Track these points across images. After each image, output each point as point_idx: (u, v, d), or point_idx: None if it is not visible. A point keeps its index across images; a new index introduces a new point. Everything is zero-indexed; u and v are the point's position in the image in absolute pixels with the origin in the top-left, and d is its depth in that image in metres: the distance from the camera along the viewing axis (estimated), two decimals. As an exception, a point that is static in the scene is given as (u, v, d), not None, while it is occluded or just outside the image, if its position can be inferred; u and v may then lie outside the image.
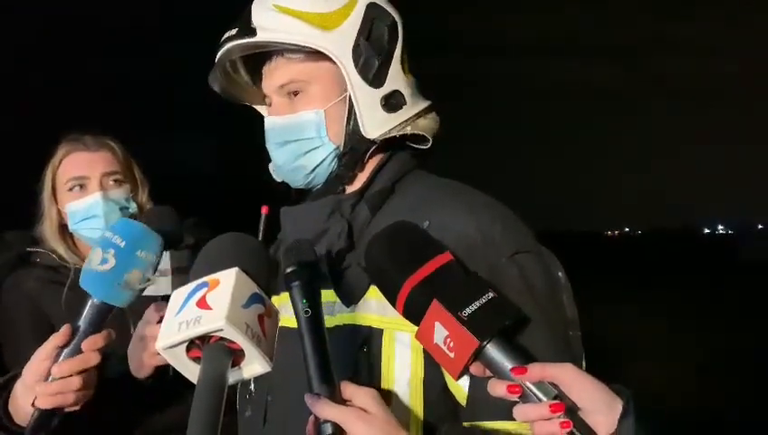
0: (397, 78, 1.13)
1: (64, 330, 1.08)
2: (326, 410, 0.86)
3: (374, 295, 1.03)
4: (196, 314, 0.71)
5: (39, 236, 1.77)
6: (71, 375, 1.07)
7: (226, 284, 0.73)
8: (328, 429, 0.86)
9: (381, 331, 1.02)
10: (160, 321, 1.21)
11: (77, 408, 1.11)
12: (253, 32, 1.08)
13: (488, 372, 0.84)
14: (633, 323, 9.54)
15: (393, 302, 0.89)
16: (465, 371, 0.84)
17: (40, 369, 1.08)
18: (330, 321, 1.05)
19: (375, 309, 1.03)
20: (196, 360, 0.74)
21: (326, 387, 0.88)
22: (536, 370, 0.79)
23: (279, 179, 1.21)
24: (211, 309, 0.71)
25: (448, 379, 1.00)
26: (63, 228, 1.77)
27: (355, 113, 1.10)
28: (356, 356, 1.01)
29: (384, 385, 1.00)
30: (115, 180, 1.76)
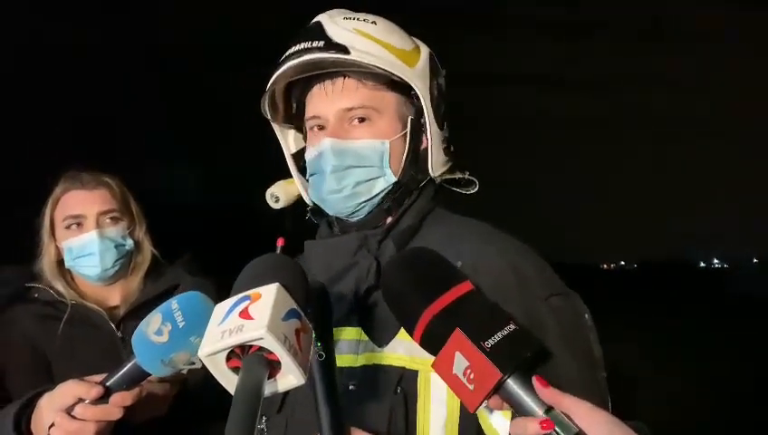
0: (447, 125, 1.17)
1: (96, 390, 1.07)
2: None
3: (406, 336, 0.99)
4: (239, 324, 0.74)
5: (38, 271, 1.79)
6: (90, 420, 1.08)
7: (267, 297, 0.77)
8: None
9: (416, 372, 1.00)
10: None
11: None
12: (343, 49, 1.06)
13: (506, 406, 0.82)
14: (636, 357, 9.51)
15: (410, 329, 0.87)
16: (483, 403, 0.81)
17: (67, 400, 1.08)
18: (354, 360, 1.05)
19: (408, 350, 1.01)
20: (235, 370, 0.76)
21: (335, 433, 0.89)
22: (554, 395, 0.78)
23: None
24: (253, 319, 0.74)
25: (483, 421, 0.99)
26: (62, 264, 1.80)
27: (415, 150, 1.12)
28: (390, 399, 1.00)
29: (420, 429, 0.99)
30: (111, 218, 1.80)
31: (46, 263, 1.80)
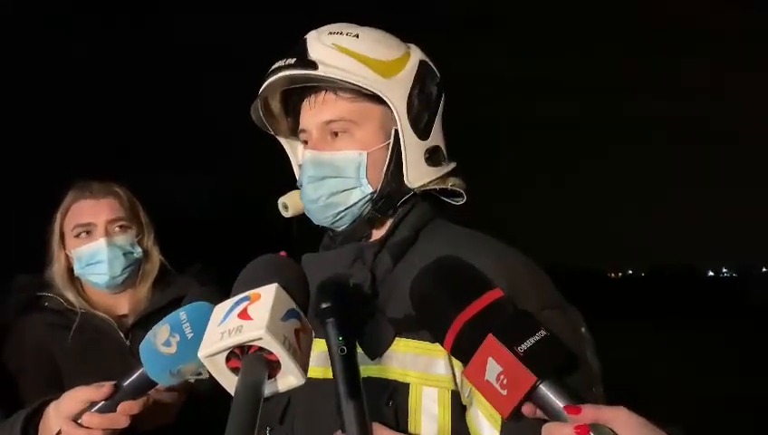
0: (438, 135, 1.17)
1: (107, 388, 1.09)
2: None
3: (399, 348, 1.03)
4: (238, 324, 0.75)
5: (49, 280, 1.82)
6: (97, 428, 1.08)
7: (267, 298, 0.78)
8: None
9: (408, 385, 1.02)
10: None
11: None
12: (313, 65, 1.10)
13: (539, 413, 0.81)
14: (643, 367, 9.42)
15: (441, 336, 0.87)
16: (516, 409, 0.81)
17: (75, 407, 1.09)
18: None
19: (401, 363, 1.03)
20: (234, 370, 0.77)
21: (360, 429, 0.88)
22: (590, 411, 0.77)
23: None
24: (252, 320, 0.75)
25: (474, 432, 1.01)
26: (72, 273, 1.82)
27: (396, 161, 1.13)
28: (381, 411, 1.01)
29: None
30: (120, 226, 1.81)
31: (57, 271, 1.81)
